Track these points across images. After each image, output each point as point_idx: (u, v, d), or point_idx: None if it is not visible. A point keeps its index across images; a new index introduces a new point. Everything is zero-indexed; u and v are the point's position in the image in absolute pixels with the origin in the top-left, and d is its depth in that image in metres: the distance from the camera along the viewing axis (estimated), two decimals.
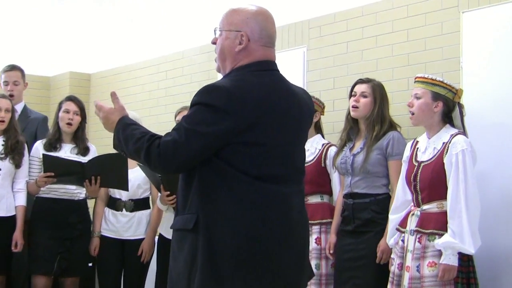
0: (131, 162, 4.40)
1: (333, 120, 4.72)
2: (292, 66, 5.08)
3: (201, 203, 2.26)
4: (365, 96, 3.96)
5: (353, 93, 4.03)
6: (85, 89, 7.33)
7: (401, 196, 3.64)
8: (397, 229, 3.60)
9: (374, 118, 3.90)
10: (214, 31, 2.47)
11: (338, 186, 4.19)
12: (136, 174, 4.54)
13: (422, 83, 3.53)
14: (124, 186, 4.33)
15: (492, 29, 3.90)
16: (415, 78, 3.62)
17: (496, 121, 3.80)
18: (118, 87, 6.94)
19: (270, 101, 2.30)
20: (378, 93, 3.96)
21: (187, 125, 2.24)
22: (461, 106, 3.56)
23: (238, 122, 2.22)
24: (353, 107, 3.97)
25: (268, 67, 2.39)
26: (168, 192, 4.19)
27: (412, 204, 3.54)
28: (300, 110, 2.43)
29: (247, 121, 2.23)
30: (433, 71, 4.12)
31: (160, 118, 6.26)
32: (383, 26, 4.57)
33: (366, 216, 3.85)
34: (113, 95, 2.51)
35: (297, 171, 2.43)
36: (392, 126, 3.95)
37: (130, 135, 2.33)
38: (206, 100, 2.24)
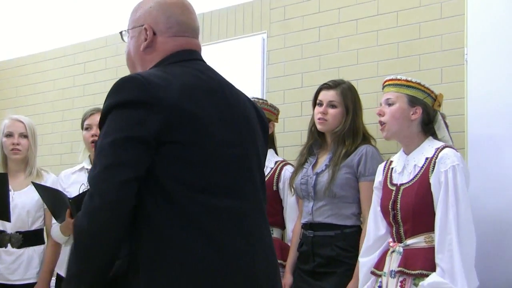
0: (17, 182, 4.47)
1: (300, 128, 4.73)
2: (246, 59, 5.06)
3: (131, 232, 2.17)
4: (334, 106, 3.99)
5: (318, 101, 4.05)
6: None
7: (374, 233, 3.64)
8: (372, 273, 3.59)
9: (345, 132, 3.95)
10: (121, 35, 2.53)
11: (294, 213, 4.21)
12: (24, 198, 4.49)
13: (394, 86, 3.58)
14: (4, 215, 4.23)
15: (505, 12, 3.91)
16: (383, 83, 3.68)
17: (505, 131, 3.82)
18: (22, 83, 6.95)
19: (202, 88, 2.29)
20: (350, 101, 3.99)
21: (108, 139, 2.14)
22: (443, 116, 3.62)
23: (166, 113, 2.16)
24: (319, 119, 4.00)
25: (191, 56, 2.41)
26: None
27: (391, 239, 3.54)
28: (243, 106, 2.42)
29: (176, 112, 2.18)
30: (430, 66, 4.19)
31: (76, 124, 5.97)
32: (365, 7, 4.58)
33: (328, 253, 3.85)
34: None
35: (254, 183, 2.37)
36: (366, 138, 3.99)
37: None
38: (121, 98, 2.19)
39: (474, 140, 3.88)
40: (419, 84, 3.53)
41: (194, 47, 2.44)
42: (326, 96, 4.00)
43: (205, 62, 2.45)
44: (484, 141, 3.84)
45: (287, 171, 4.24)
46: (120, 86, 2.21)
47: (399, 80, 3.57)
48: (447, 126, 3.58)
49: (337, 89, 3.99)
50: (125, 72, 6.23)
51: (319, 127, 4.01)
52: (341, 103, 3.97)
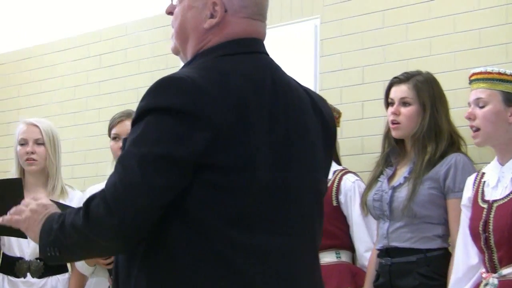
0: None
1: (361, 134, 4.77)
2: (295, 50, 5.06)
3: (154, 274, 2.20)
4: (407, 104, 3.95)
5: (389, 100, 4.03)
6: None
7: (464, 262, 3.61)
8: None
9: (424, 134, 3.89)
10: None
11: (362, 231, 4.25)
12: None
13: (485, 81, 3.51)
14: (18, 230, 4.15)
15: None
16: (469, 76, 3.61)
17: None
18: (24, 80, 7.01)
19: (256, 99, 2.25)
20: (427, 95, 3.94)
21: (138, 150, 2.15)
22: None
23: (214, 131, 2.15)
24: (392, 123, 3.97)
25: (251, 48, 2.37)
26: None
27: (483, 269, 3.49)
28: (304, 115, 2.38)
29: (225, 130, 2.17)
30: None
31: (89, 130, 6.24)
32: None
33: (410, 283, 3.81)
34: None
35: (302, 215, 2.34)
36: (454, 143, 3.93)
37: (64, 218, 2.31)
38: (162, 102, 2.17)
39: None
40: None
41: (260, 35, 2.40)
42: (397, 92, 3.97)
43: (268, 55, 2.40)
44: None
45: (348, 180, 4.25)
46: (164, 86, 2.18)
47: (490, 73, 3.49)
48: None
49: (410, 82, 3.96)
50: (150, 66, 6.30)
51: (393, 133, 3.99)
52: (415, 99, 3.92)
